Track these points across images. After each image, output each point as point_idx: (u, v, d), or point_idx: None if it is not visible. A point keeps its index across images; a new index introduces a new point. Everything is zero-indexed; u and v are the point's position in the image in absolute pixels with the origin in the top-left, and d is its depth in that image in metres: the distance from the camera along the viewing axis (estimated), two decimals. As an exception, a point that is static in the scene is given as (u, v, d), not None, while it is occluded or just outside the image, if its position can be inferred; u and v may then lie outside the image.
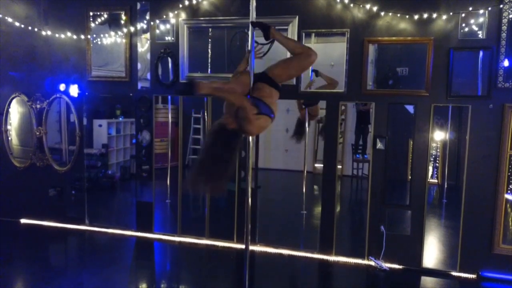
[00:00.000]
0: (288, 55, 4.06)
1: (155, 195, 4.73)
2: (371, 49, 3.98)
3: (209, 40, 4.53)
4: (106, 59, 4.81)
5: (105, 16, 4.65)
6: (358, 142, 4.72)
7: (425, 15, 3.74)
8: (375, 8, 3.84)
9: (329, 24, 4.00)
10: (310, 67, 4.24)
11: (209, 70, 4.56)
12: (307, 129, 4.61)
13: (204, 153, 2.33)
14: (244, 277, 2.80)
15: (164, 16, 4.40)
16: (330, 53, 4.37)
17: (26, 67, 4.98)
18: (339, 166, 4.31)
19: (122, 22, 4.55)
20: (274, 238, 4.45)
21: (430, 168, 4.10)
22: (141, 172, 4.73)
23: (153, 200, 4.70)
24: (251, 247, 4.10)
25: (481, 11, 3.62)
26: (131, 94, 4.67)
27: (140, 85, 4.61)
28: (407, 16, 3.80)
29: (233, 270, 4.11)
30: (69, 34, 4.72)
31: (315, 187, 4.92)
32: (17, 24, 4.84)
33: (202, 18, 4.33)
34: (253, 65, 2.58)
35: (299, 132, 4.66)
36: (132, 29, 4.52)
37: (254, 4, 2.60)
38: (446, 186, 4.44)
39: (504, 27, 3.59)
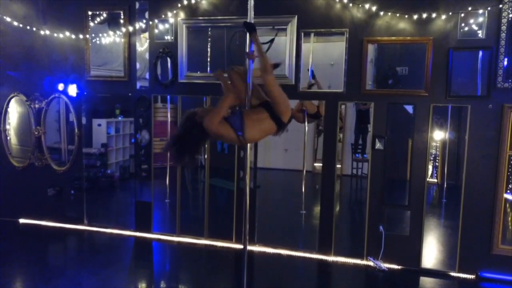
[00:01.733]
0: (288, 53, 4.10)
1: (154, 195, 4.72)
2: (371, 49, 3.98)
3: (208, 39, 4.53)
4: (105, 59, 4.80)
5: (104, 15, 4.64)
6: (358, 141, 4.71)
7: (425, 15, 3.72)
8: (374, 8, 3.83)
9: (328, 23, 3.99)
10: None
11: (208, 69, 4.55)
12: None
13: (175, 135, 2.45)
14: (243, 277, 2.79)
15: (163, 16, 4.39)
16: (330, 52, 4.38)
17: (24, 67, 4.97)
18: (339, 166, 4.31)
19: (121, 21, 4.53)
20: (273, 238, 4.45)
21: (430, 168, 4.09)
22: (140, 171, 4.73)
23: (152, 199, 4.69)
24: (249, 247, 4.10)
25: (481, 11, 3.61)
26: (130, 94, 4.66)
27: (139, 84, 4.60)
28: (406, 16, 3.79)
29: (232, 270, 4.10)
30: (67, 33, 4.71)
31: (316, 186, 4.92)
32: (15, 23, 4.82)
33: (201, 18, 4.32)
34: (251, 66, 2.56)
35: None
36: (131, 28, 4.51)
37: (253, 3, 2.58)
38: (445, 185, 4.44)
39: (504, 27, 3.58)
